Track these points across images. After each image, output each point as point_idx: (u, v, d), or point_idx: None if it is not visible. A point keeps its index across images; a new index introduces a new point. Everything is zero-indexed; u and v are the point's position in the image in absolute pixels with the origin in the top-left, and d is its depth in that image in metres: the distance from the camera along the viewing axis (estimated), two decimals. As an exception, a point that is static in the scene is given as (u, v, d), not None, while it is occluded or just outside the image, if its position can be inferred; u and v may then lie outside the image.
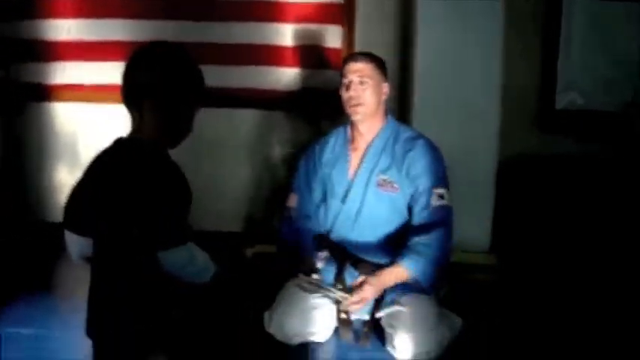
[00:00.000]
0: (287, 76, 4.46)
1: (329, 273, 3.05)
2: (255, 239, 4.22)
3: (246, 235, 4.39)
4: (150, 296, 1.94)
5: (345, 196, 3.09)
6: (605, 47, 4.24)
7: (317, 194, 3.20)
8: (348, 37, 4.37)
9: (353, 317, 3.01)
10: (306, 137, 4.46)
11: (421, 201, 2.96)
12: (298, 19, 4.38)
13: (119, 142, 1.98)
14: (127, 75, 1.95)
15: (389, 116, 3.14)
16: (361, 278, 2.92)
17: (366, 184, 3.05)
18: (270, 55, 4.42)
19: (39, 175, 4.75)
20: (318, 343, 3.00)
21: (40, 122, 4.70)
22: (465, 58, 3.93)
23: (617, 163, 4.23)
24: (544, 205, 4.32)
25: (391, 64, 4.23)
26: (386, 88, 3.09)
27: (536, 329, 3.22)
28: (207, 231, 2.11)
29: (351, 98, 3.04)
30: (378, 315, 2.97)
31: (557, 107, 4.29)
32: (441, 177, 3.00)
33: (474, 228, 3.95)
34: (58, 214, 4.56)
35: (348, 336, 3.00)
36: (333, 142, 3.21)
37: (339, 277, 3.02)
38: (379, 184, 3.03)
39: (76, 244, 2.07)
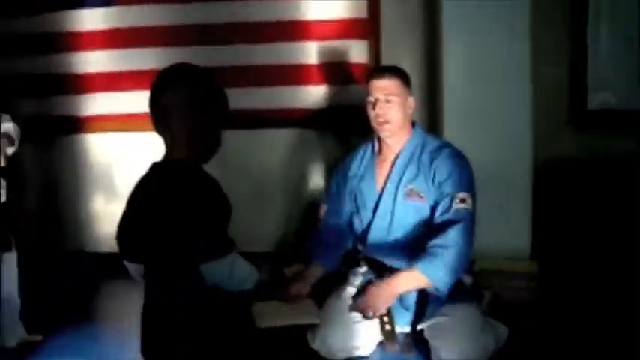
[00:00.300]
0: (315, 94, 4.49)
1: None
2: (293, 258, 4.21)
3: (282, 255, 4.38)
4: (198, 313, 1.98)
5: (376, 208, 3.09)
6: (633, 45, 4.17)
7: (348, 206, 3.22)
8: (375, 52, 4.38)
9: (397, 330, 2.97)
10: (337, 154, 4.45)
11: (443, 204, 2.93)
12: (324, 37, 4.40)
13: (155, 166, 2.03)
14: (154, 99, 2.00)
15: (416, 127, 3.15)
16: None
17: (395, 196, 3.05)
18: (298, 74, 4.45)
19: (75, 206, 4.80)
20: (362, 357, 2.96)
21: (75, 154, 4.77)
22: (492, 64, 3.90)
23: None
24: (583, 208, 4.26)
25: (418, 75, 4.30)
26: (411, 102, 3.09)
27: (577, 337, 3.19)
28: (242, 252, 2.13)
29: (377, 116, 3.05)
30: (420, 327, 2.94)
31: (590, 107, 4.23)
32: (464, 183, 2.96)
33: (514, 235, 3.90)
34: (95, 243, 4.69)
35: (393, 348, 2.96)
36: (362, 154, 3.23)
37: None
38: (407, 195, 3.02)
39: (137, 272, 2.10)
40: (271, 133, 4.59)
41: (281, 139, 4.60)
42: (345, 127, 4.44)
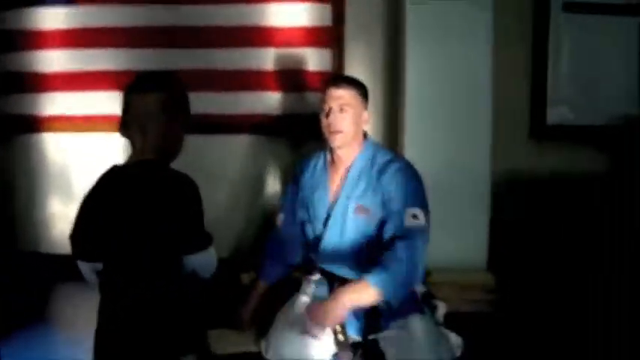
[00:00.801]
0: (277, 100, 4.47)
1: (322, 294, 3.05)
2: (250, 265, 4.19)
3: (236, 261, 4.36)
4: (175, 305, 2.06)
5: (326, 220, 3.07)
6: (594, 61, 4.24)
7: (301, 214, 3.20)
8: (338, 60, 4.39)
9: (350, 340, 2.95)
10: (295, 161, 4.47)
11: (393, 221, 2.88)
12: (288, 44, 4.40)
13: (122, 167, 2.09)
14: (132, 102, 2.08)
15: (368, 140, 3.11)
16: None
17: (345, 211, 3.01)
18: (261, 81, 4.43)
19: (31, 206, 4.73)
20: None
21: (31, 153, 4.69)
22: (455, 75, 3.92)
23: (610, 177, 4.23)
24: (540, 221, 4.32)
25: (381, 83, 4.34)
26: (366, 116, 3.05)
27: (533, 348, 3.22)
28: None
29: (329, 125, 2.99)
30: (372, 337, 2.94)
31: (549, 122, 4.28)
32: (415, 197, 2.92)
33: (470, 245, 3.92)
34: (51, 245, 4.62)
35: (347, 358, 2.95)
36: (315, 164, 3.20)
37: None
38: (356, 209, 2.99)
39: (90, 271, 2.15)
40: (230, 139, 4.56)
41: (241, 145, 4.57)
42: (306, 135, 4.44)
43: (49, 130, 4.63)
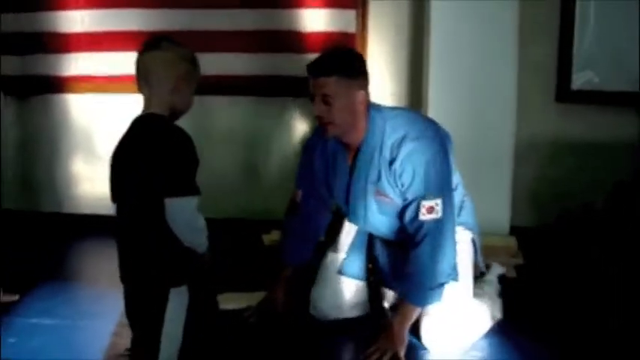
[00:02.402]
0: (298, 62, 4.43)
1: (359, 254, 3.14)
2: (270, 226, 4.21)
3: (256, 222, 4.38)
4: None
5: (347, 199, 2.98)
6: (620, 26, 4.17)
7: (319, 189, 3.09)
8: (362, 21, 4.33)
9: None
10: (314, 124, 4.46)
11: (409, 213, 2.78)
12: (310, 4, 4.35)
13: (134, 120, 2.25)
14: (139, 60, 2.24)
15: (372, 115, 2.81)
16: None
17: (365, 194, 2.90)
18: (282, 42, 4.39)
19: (54, 167, 4.75)
20: (350, 319, 3.10)
21: (53, 114, 4.70)
22: (480, 37, 3.88)
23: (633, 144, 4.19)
24: (561, 185, 4.30)
25: (405, 45, 4.29)
26: (361, 95, 2.74)
27: (560, 310, 3.24)
28: (211, 218, 2.21)
29: (318, 117, 2.76)
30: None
31: (574, 87, 4.23)
32: (430, 185, 2.75)
33: (493, 210, 3.89)
34: (73, 205, 4.66)
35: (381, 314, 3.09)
36: (331, 145, 2.96)
37: (370, 258, 3.13)
38: (375, 193, 2.87)
39: None
40: (248, 100, 4.54)
41: (254, 106, 4.55)
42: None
43: (70, 90, 4.63)
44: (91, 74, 4.55)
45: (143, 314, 2.17)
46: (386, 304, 3.16)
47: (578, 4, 4.16)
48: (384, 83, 4.29)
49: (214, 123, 4.53)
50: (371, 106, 2.83)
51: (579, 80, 4.24)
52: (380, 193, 2.84)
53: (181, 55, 2.24)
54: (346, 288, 3.12)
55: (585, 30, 4.19)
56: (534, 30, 4.15)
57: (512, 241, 3.90)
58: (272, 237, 4.26)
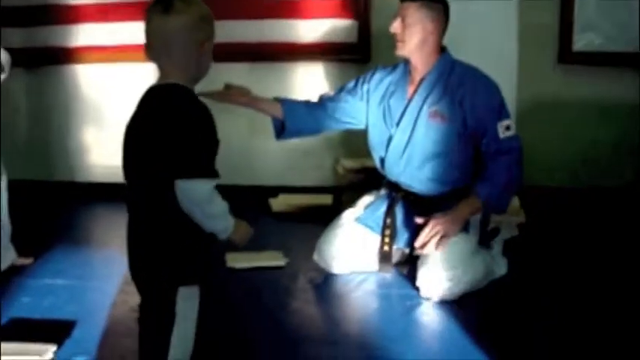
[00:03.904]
0: (306, 27, 4.49)
1: (381, 206, 3.25)
2: (279, 190, 4.28)
3: (263, 188, 4.45)
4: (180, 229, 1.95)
5: (399, 122, 3.20)
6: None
7: (351, 102, 3.29)
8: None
9: (395, 247, 3.22)
10: (327, 87, 4.50)
11: (488, 136, 3.06)
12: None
13: (151, 89, 2.04)
14: (152, 25, 1.99)
15: (446, 53, 3.20)
16: (421, 220, 3.03)
17: (418, 114, 3.15)
18: (289, 8, 4.45)
19: (66, 136, 4.84)
20: (358, 272, 3.21)
21: (63, 84, 4.79)
22: (481, 6, 3.93)
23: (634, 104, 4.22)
24: (562, 146, 4.35)
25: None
26: (434, 27, 3.12)
27: (565, 271, 3.30)
28: (233, 184, 2.18)
29: (394, 35, 3.13)
30: (408, 253, 3.20)
31: (575, 49, 4.27)
32: (502, 108, 3.09)
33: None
34: (84, 174, 4.73)
35: (387, 270, 3.19)
36: (396, 72, 3.30)
37: (389, 212, 3.21)
38: (430, 115, 3.12)
39: None
40: (271, 67, 4.58)
41: (264, 72, 4.56)
42: (338, 61, 4.51)
43: (79, 61, 4.70)
44: (98, 44, 4.62)
45: (152, 313, 2.01)
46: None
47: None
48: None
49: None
50: (445, 49, 3.20)
51: (581, 42, 4.27)
52: (437, 113, 3.11)
53: (201, 16, 2.01)
54: (357, 236, 3.21)
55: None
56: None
57: (515, 200, 3.95)
58: (279, 201, 4.34)
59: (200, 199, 1.90)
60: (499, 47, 3.97)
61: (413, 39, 3.10)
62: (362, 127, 3.32)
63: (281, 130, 3.24)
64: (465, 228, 3.05)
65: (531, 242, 3.64)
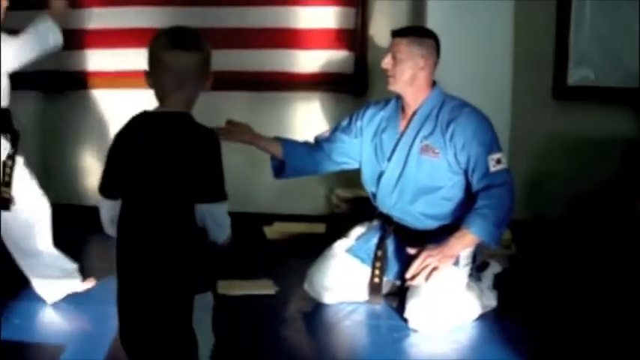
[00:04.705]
0: (303, 58, 4.54)
1: (373, 237, 3.27)
2: (273, 218, 4.31)
3: (258, 215, 4.47)
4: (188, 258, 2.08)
5: (390, 157, 3.23)
6: (616, 22, 4.24)
7: (368, 154, 3.31)
8: (362, 18, 4.44)
9: (386, 279, 3.22)
10: (326, 118, 4.55)
11: (479, 170, 3.06)
12: (313, 2, 4.47)
13: (150, 115, 2.13)
14: (169, 58, 2.08)
15: (436, 87, 3.23)
16: (414, 250, 3.05)
17: (409, 149, 3.17)
18: (284, 38, 4.50)
19: (69, 160, 4.89)
20: (346, 303, 3.22)
21: (71, 109, 4.83)
22: (476, 34, 3.95)
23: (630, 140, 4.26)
24: (557, 180, 4.38)
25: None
26: (425, 63, 3.15)
27: (555, 300, 3.32)
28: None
29: (385, 70, 3.18)
30: (399, 284, 3.20)
31: (570, 83, 4.31)
32: (492, 142, 3.10)
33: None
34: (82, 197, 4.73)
35: (376, 301, 3.20)
36: (388, 107, 3.33)
37: (380, 244, 3.22)
38: (422, 150, 3.14)
39: (109, 209, 2.17)
40: (251, 96, 4.62)
41: (259, 101, 4.62)
42: (333, 91, 4.55)
43: (79, 86, 4.75)
44: (100, 70, 4.67)
45: (169, 322, 2.08)
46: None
47: (574, 1, 4.24)
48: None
49: (214, 118, 4.58)
50: (436, 83, 3.24)
51: (575, 76, 4.31)
52: (428, 147, 3.13)
53: (208, 52, 2.13)
54: (348, 267, 3.23)
55: (581, 27, 4.26)
56: (531, 27, 4.23)
57: (507, 233, 3.96)
58: (274, 229, 4.37)
59: (221, 219, 2.10)
60: (493, 83, 3.99)
61: (404, 75, 3.14)
62: (358, 166, 3.35)
63: (279, 169, 3.30)
64: (456, 261, 3.06)
65: (522, 275, 3.64)
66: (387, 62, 3.16)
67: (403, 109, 3.25)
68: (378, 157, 3.27)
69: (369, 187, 3.32)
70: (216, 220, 2.09)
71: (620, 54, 4.25)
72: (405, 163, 3.17)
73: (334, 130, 3.39)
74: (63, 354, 2.67)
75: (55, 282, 3.21)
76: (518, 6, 4.01)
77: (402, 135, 3.21)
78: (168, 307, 2.06)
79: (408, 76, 3.14)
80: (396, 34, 3.19)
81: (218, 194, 2.07)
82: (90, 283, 3.36)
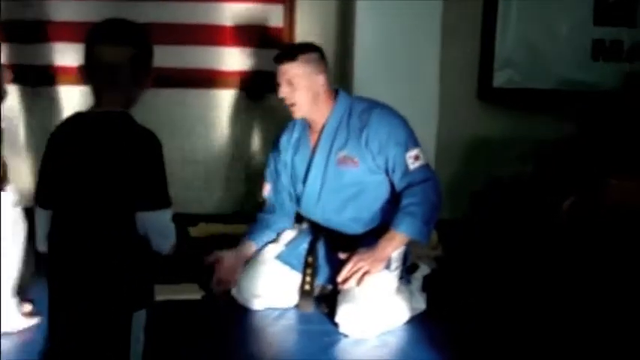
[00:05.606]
0: (231, 55, 4.48)
1: (302, 242, 3.21)
2: (197, 218, 4.23)
3: (183, 215, 4.38)
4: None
5: (306, 177, 3.16)
6: (542, 24, 4.31)
7: (284, 180, 3.28)
8: (290, 16, 4.40)
9: (316, 283, 3.16)
10: (251, 117, 4.50)
11: (398, 170, 3.02)
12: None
13: (84, 115, 2.00)
14: (100, 52, 1.96)
15: (340, 94, 3.16)
16: (344, 255, 3.00)
17: (325, 164, 3.11)
18: (213, 35, 4.43)
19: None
20: (276, 309, 3.15)
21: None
22: (403, 35, 3.96)
23: (555, 140, 4.33)
24: (482, 181, 4.42)
25: (331, 41, 4.32)
26: (321, 79, 3.08)
27: (482, 302, 3.33)
28: None
29: (283, 99, 3.08)
30: (330, 288, 3.14)
31: (495, 85, 4.35)
32: (407, 139, 3.05)
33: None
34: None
35: (307, 308, 3.13)
36: (295, 129, 3.25)
37: (311, 250, 3.17)
38: (340, 161, 3.08)
39: (47, 222, 2.01)
40: (184, 93, 4.54)
41: (194, 98, 4.57)
42: (260, 89, 4.47)
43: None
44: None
45: (105, 345, 1.95)
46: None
47: (500, 3, 4.30)
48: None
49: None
50: (339, 90, 3.16)
51: (501, 78, 4.35)
52: (346, 158, 3.07)
53: (147, 46, 2.02)
54: (277, 273, 3.16)
55: (507, 29, 4.33)
56: (457, 29, 4.27)
57: (433, 234, 3.97)
58: (199, 229, 4.29)
59: (165, 227, 1.98)
60: (420, 83, 4.00)
61: (306, 99, 3.06)
62: None
63: None
64: (387, 264, 3.03)
65: (449, 276, 3.65)
66: (284, 91, 3.05)
67: (310, 127, 3.19)
68: (293, 181, 3.23)
69: (293, 207, 3.31)
70: (159, 229, 1.97)
71: (546, 56, 4.31)
72: (324, 178, 3.12)
73: (269, 180, 3.32)
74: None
75: None
76: (446, 7, 4.02)
77: (313, 152, 3.15)
78: (104, 327, 1.94)
79: (310, 99, 3.06)
80: (282, 59, 3.06)
81: (160, 201, 1.95)
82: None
